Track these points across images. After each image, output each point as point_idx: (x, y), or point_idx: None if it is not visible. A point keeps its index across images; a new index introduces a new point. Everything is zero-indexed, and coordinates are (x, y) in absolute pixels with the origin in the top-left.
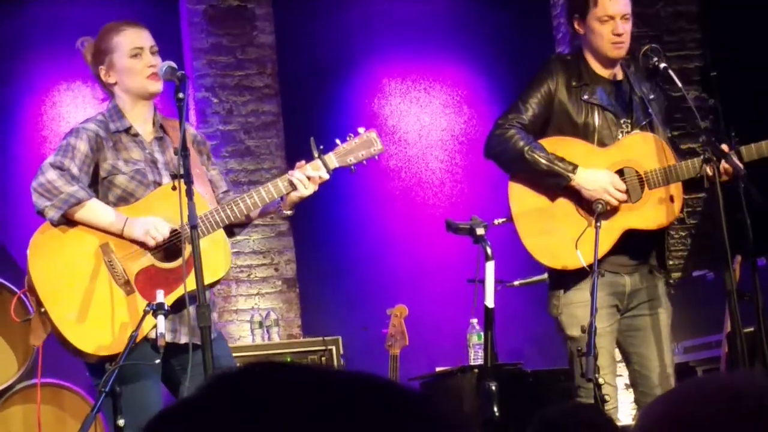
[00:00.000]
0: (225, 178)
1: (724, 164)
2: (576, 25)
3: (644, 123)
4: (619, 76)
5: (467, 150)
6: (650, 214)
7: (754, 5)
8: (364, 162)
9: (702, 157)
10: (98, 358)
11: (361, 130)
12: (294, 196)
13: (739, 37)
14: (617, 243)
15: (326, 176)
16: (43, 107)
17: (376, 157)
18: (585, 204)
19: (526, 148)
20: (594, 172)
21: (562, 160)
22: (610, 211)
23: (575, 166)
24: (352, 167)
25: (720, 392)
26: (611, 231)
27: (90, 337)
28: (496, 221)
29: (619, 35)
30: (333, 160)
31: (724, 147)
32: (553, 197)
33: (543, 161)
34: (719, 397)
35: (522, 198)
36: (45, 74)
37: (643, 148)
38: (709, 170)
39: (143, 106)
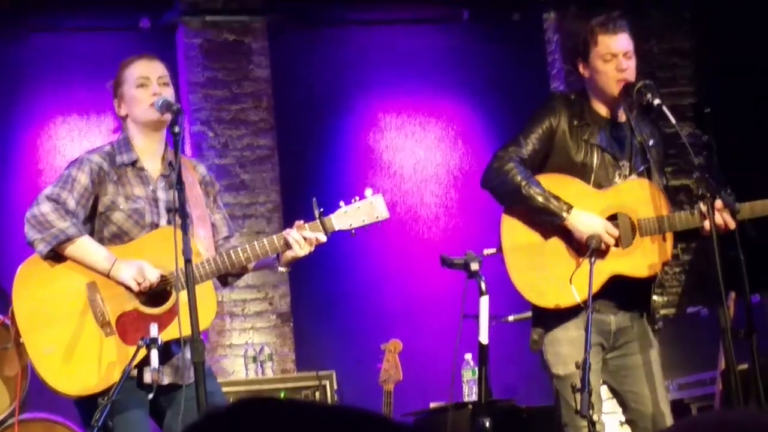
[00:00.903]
0: (228, 222)
1: (726, 215)
2: (581, 69)
3: (642, 169)
4: (622, 119)
5: (462, 185)
6: (639, 261)
7: (747, 42)
8: (366, 228)
9: (695, 209)
10: (73, 397)
11: (368, 192)
12: (289, 255)
13: (733, 73)
14: (603, 286)
15: (323, 239)
16: (39, 140)
17: (380, 223)
18: (576, 244)
19: (523, 183)
20: (588, 216)
21: (557, 198)
22: (599, 255)
23: (570, 207)
24: (353, 231)
25: (720, 429)
26: (599, 274)
27: (64, 376)
28: (485, 251)
29: (623, 71)
30: (333, 222)
31: (718, 203)
32: (545, 234)
33: (539, 198)
34: None
35: (514, 232)
36: (42, 107)
37: (639, 195)
38: (702, 206)
39: (152, 140)
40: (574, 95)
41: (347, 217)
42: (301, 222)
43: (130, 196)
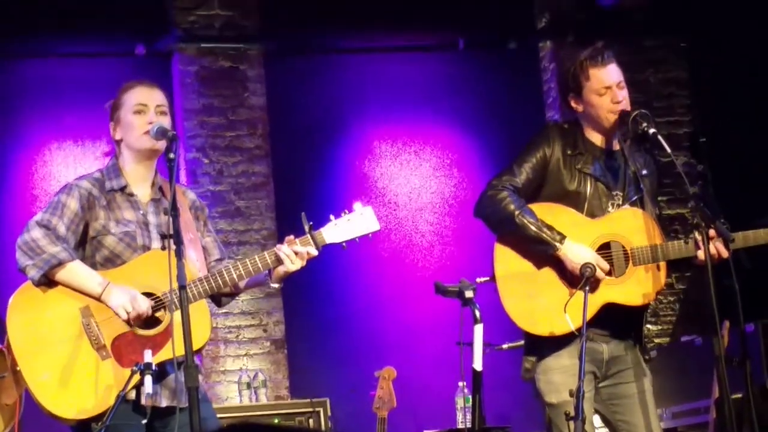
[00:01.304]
0: (219, 245)
1: (720, 245)
2: (573, 104)
3: (635, 198)
4: (615, 147)
5: (457, 213)
6: (632, 290)
7: (743, 71)
8: (357, 240)
9: (689, 238)
10: (72, 422)
11: (357, 206)
12: (281, 270)
13: (729, 104)
14: (596, 315)
15: (315, 252)
16: (34, 166)
17: (370, 236)
18: (568, 274)
19: (517, 212)
20: (580, 248)
21: (551, 228)
22: (592, 284)
23: (563, 237)
24: (344, 244)
25: None
26: (592, 303)
27: (63, 401)
28: (478, 279)
29: (618, 102)
30: (324, 236)
31: (712, 233)
32: (537, 263)
33: (532, 227)
34: None
35: (507, 260)
36: (36, 132)
37: (633, 224)
38: (697, 235)
39: (143, 166)
40: (568, 125)
41: (338, 230)
42: (292, 237)
43: (120, 220)
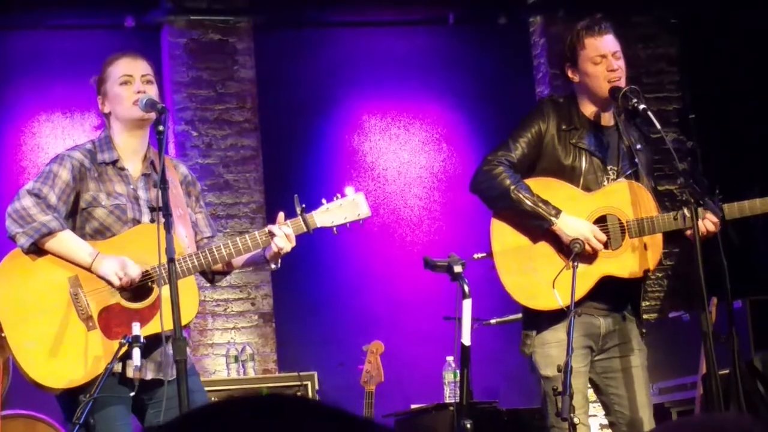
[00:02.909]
0: (211, 223)
1: (708, 221)
2: (570, 74)
3: (629, 172)
4: (610, 123)
5: (446, 187)
6: (629, 262)
7: (734, 48)
8: (347, 225)
9: (679, 209)
10: (56, 391)
11: (349, 191)
12: (274, 250)
13: (718, 79)
14: (593, 288)
15: (305, 229)
16: (23, 137)
17: (361, 222)
18: (565, 248)
19: (513, 187)
20: (576, 220)
21: (546, 203)
22: (590, 257)
23: (559, 211)
24: (335, 229)
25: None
26: (589, 276)
27: (47, 370)
28: (475, 255)
29: (614, 70)
30: (315, 219)
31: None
32: (534, 238)
33: (528, 202)
34: None
35: (503, 236)
36: (24, 104)
37: (628, 197)
38: (686, 211)
39: (135, 138)
40: (563, 99)
41: (329, 214)
42: (283, 216)
43: (111, 193)
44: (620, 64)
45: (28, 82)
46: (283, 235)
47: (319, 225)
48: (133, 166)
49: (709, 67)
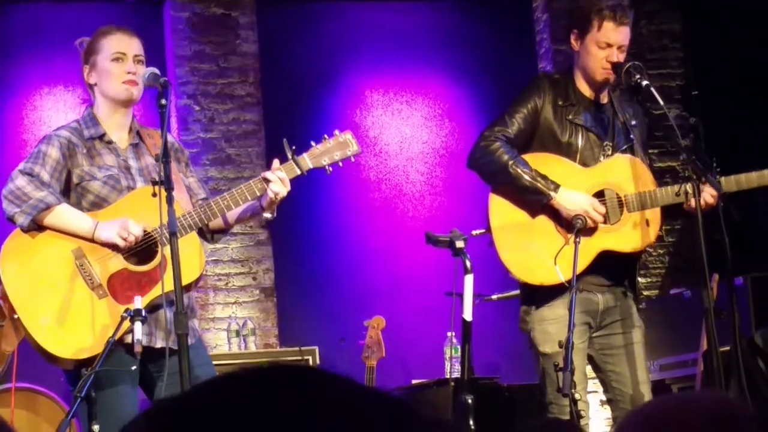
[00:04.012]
0: (204, 185)
1: (706, 193)
2: (573, 40)
3: (624, 147)
4: (605, 100)
5: (448, 163)
6: (627, 236)
7: (737, 25)
8: (340, 163)
9: (681, 184)
10: (73, 363)
11: (337, 132)
12: (270, 195)
13: (721, 56)
14: (592, 263)
15: (298, 171)
16: (24, 111)
17: (352, 158)
18: (564, 222)
19: (510, 162)
20: (575, 194)
21: (544, 177)
22: (588, 231)
23: (557, 186)
24: (328, 168)
25: (697, 415)
26: (588, 251)
27: (64, 342)
28: (474, 232)
29: (612, 63)
30: (307, 161)
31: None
32: (532, 213)
33: (526, 177)
34: (695, 419)
35: (502, 211)
36: (26, 78)
37: (625, 171)
38: (688, 188)
39: (120, 114)
40: (559, 75)
41: (320, 154)
42: (277, 162)
43: (102, 166)
44: (621, 58)
45: (30, 56)
46: (278, 179)
47: (312, 166)
48: (120, 137)
49: (712, 43)
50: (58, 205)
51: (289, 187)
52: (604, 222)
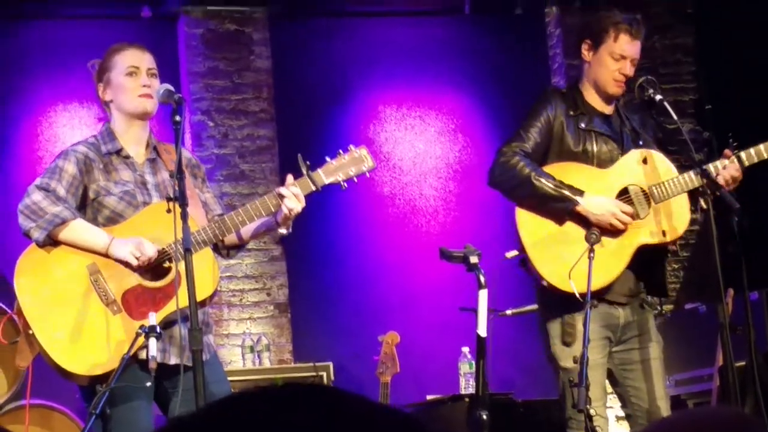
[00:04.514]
0: (220, 201)
1: (730, 167)
2: (585, 50)
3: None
4: (610, 111)
5: (461, 178)
6: (659, 228)
7: (750, 39)
8: (355, 179)
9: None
10: (88, 379)
11: (351, 147)
12: (284, 211)
13: (735, 70)
14: (632, 261)
15: (313, 187)
16: (40, 127)
17: (367, 173)
18: (593, 227)
19: (533, 174)
20: (600, 198)
21: (568, 186)
22: (620, 231)
23: (581, 192)
24: (342, 183)
25: (713, 430)
26: (624, 249)
27: (78, 358)
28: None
29: (624, 75)
30: (322, 176)
31: (727, 152)
32: (561, 222)
33: (550, 186)
34: None
35: (531, 227)
36: (42, 94)
37: (643, 165)
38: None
39: (137, 127)
40: (567, 89)
41: (335, 169)
42: (291, 177)
43: (119, 181)
44: (632, 71)
45: (45, 72)
46: (293, 195)
47: (326, 181)
48: (137, 152)
49: (725, 57)
50: (74, 220)
51: (303, 203)
52: (634, 218)
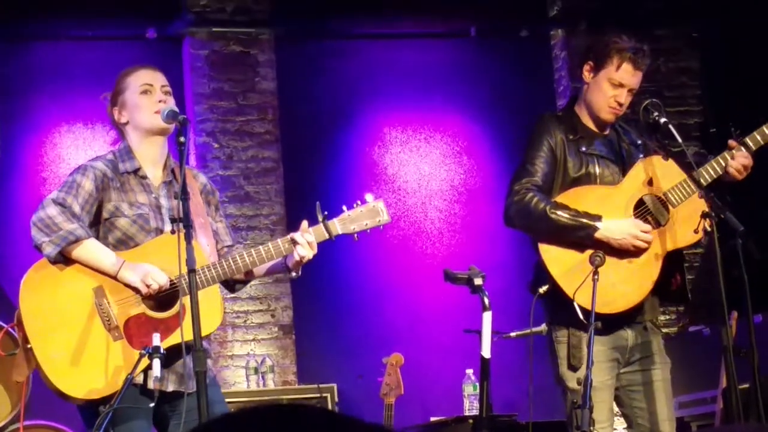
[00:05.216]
0: (231, 232)
1: (740, 160)
2: (586, 71)
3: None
4: (607, 132)
5: (466, 200)
6: (684, 229)
7: (755, 62)
8: (368, 231)
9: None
10: (82, 402)
11: (368, 197)
12: (296, 257)
13: (740, 94)
14: (663, 270)
15: (327, 236)
16: (44, 148)
17: (381, 227)
18: (615, 253)
19: (548, 208)
20: (617, 222)
21: (584, 213)
22: (642, 251)
23: (599, 217)
24: (356, 235)
25: None
26: (653, 261)
27: (73, 380)
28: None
29: (620, 104)
30: (337, 226)
31: (731, 142)
32: (583, 249)
33: (567, 216)
34: None
35: (557, 258)
36: (47, 115)
37: (652, 173)
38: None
39: (154, 145)
40: (562, 113)
41: (350, 221)
42: (306, 224)
43: (134, 203)
44: (628, 100)
45: (50, 93)
46: (306, 243)
47: (341, 232)
48: (154, 174)
49: (730, 81)
50: (87, 240)
51: (315, 251)
52: (656, 227)
